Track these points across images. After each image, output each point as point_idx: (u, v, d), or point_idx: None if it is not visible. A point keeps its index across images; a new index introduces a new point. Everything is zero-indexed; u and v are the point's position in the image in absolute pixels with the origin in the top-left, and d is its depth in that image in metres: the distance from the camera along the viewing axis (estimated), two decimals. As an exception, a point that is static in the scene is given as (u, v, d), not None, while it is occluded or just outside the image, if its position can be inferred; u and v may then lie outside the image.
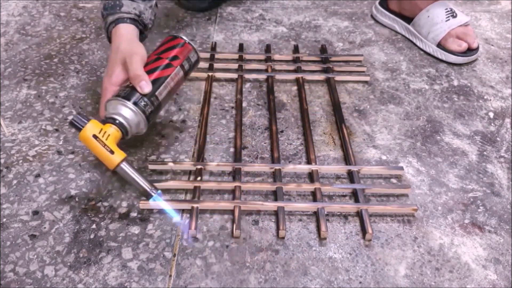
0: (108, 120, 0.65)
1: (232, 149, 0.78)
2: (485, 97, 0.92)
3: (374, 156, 0.78)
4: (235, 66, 0.95)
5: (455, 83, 0.95)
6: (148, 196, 0.63)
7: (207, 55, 0.98)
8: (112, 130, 0.64)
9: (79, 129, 0.62)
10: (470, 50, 1.00)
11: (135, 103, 0.65)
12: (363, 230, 0.65)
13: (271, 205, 0.67)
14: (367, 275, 0.60)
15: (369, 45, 1.06)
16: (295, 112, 0.86)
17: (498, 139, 0.82)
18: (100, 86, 0.90)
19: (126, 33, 0.73)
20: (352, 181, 0.71)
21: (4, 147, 0.76)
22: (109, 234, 0.64)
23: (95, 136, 0.62)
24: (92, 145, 0.62)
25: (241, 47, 1.01)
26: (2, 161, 0.74)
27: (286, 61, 0.99)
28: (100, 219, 0.66)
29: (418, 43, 1.05)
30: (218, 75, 0.93)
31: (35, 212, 0.66)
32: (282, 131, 0.82)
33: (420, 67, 0.99)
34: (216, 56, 0.98)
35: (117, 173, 0.63)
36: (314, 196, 0.69)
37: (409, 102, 0.90)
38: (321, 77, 0.94)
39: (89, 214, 0.66)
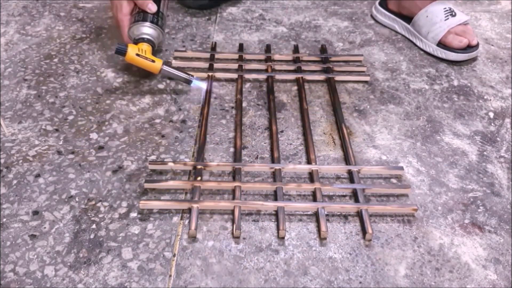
0: (138, 40, 0.85)
1: (232, 149, 0.78)
2: (485, 97, 0.92)
3: (374, 156, 0.78)
4: (235, 66, 0.95)
5: (455, 83, 0.95)
6: (189, 82, 0.85)
7: (207, 55, 0.98)
8: (145, 46, 0.84)
9: (124, 54, 0.82)
10: (470, 47, 1.00)
11: (151, 21, 0.86)
12: (363, 230, 0.65)
13: (271, 205, 0.67)
14: (367, 275, 0.60)
15: (369, 45, 1.06)
16: (295, 112, 0.86)
17: (498, 139, 0.82)
18: (100, 85, 0.90)
19: None
20: (352, 181, 0.71)
21: (4, 147, 0.76)
22: (109, 234, 0.64)
23: (137, 54, 0.82)
24: (138, 61, 0.83)
25: (241, 47, 1.01)
26: (2, 161, 0.74)
27: (286, 61, 0.99)
28: (100, 219, 0.66)
29: (418, 43, 1.05)
30: (218, 75, 0.93)
31: (35, 212, 0.66)
32: (282, 131, 0.82)
33: (420, 67, 0.99)
34: (216, 56, 0.98)
35: (162, 74, 0.85)
36: (314, 196, 0.69)
37: (409, 102, 0.90)
38: (321, 77, 0.94)
39: (89, 214, 0.66)
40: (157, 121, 0.83)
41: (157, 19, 0.87)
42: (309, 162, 0.75)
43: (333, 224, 0.66)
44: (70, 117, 0.83)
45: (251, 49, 1.02)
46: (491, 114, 0.87)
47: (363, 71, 0.96)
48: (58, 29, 1.07)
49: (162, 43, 0.91)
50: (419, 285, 0.59)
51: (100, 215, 0.66)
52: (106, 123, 0.82)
